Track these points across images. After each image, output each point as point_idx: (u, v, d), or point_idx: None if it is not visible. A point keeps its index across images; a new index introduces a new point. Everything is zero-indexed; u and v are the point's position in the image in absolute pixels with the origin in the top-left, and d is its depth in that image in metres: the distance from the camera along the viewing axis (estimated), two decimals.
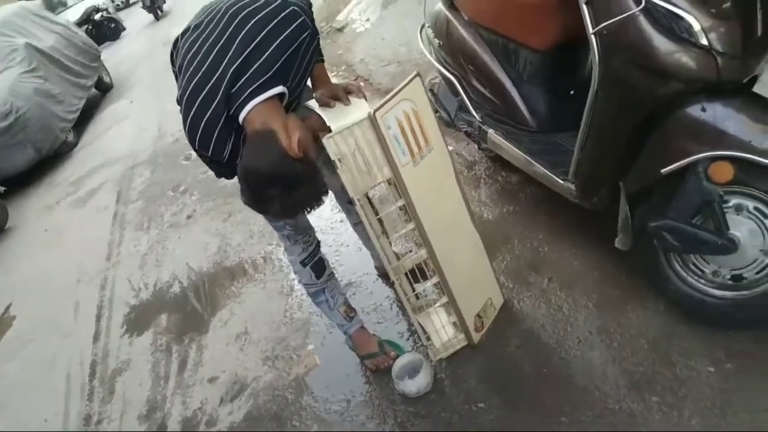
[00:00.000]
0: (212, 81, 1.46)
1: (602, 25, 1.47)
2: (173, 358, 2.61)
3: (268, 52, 1.45)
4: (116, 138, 6.27)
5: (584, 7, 1.51)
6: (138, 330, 2.93)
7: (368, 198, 1.81)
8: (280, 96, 1.49)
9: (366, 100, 1.61)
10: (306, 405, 2.05)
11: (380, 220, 1.81)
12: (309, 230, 1.92)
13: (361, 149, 1.50)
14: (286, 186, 1.40)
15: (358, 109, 1.54)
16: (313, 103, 1.75)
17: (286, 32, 1.48)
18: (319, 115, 1.56)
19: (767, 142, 1.37)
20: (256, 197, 1.43)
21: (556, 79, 2.12)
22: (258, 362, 2.34)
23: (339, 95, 1.63)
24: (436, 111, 2.22)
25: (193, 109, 1.50)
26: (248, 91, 1.43)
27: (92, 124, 7.20)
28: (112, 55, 10.50)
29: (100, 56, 8.32)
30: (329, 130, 1.50)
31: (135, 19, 14.08)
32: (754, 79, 1.56)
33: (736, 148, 1.39)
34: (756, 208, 1.49)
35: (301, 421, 2.00)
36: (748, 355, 1.54)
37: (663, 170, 1.50)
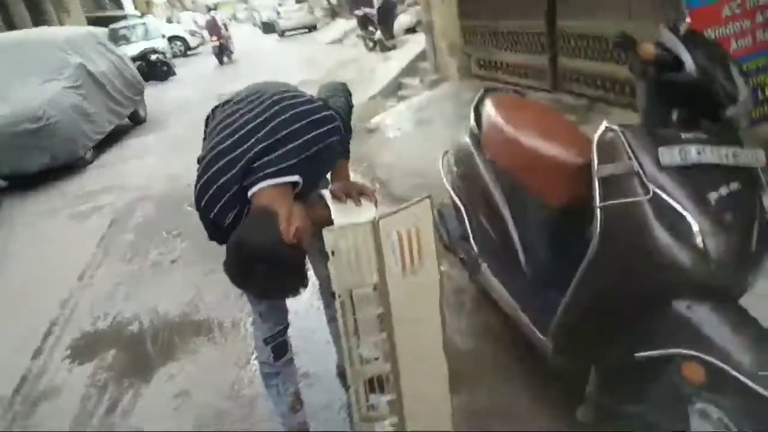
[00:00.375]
0: (237, 152, 1.54)
1: (609, 201, 1.55)
2: (105, 398, 2.49)
3: (295, 143, 1.54)
4: (134, 169, 6.40)
5: (596, 182, 1.60)
6: (81, 358, 2.82)
7: (351, 297, 1.81)
8: (293, 185, 1.56)
9: (376, 206, 1.67)
10: None
11: (356, 321, 1.80)
12: (283, 312, 1.92)
13: (357, 249, 1.53)
14: (270, 267, 1.42)
15: (366, 212, 1.59)
16: (326, 193, 1.82)
17: (317, 132, 1.57)
18: (327, 207, 1.61)
19: (743, 356, 1.39)
20: (240, 270, 1.44)
21: (558, 236, 2.19)
22: (188, 428, 2.22)
23: (352, 194, 1.70)
24: (439, 231, 2.29)
25: (210, 171, 1.56)
26: (266, 170, 1.50)
27: (115, 148, 7.38)
28: (155, 94, 10.95)
29: (143, 91, 8.72)
30: (332, 224, 1.54)
31: (194, 66, 14.87)
32: (741, 293, 1.62)
33: (713, 353, 1.40)
34: (719, 419, 1.48)
35: None
36: None
37: (638, 354, 1.51)
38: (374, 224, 1.50)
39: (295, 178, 1.53)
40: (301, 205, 1.57)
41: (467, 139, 2.60)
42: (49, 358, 2.86)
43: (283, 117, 1.56)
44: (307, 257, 1.73)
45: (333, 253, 1.52)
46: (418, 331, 1.72)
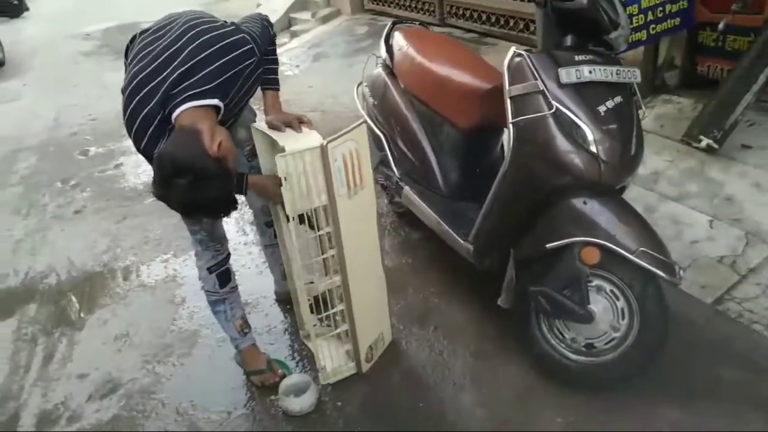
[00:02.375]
0: (156, 81, 1.59)
1: (520, 118, 1.80)
2: (38, 350, 2.46)
3: (211, 67, 1.60)
4: (1, 117, 5.80)
5: (508, 101, 1.83)
6: (0, 316, 2.71)
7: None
8: (215, 109, 1.62)
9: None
10: (183, 411, 2.04)
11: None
12: (222, 240, 2.01)
13: (306, 173, 1.66)
14: (194, 179, 1.45)
15: (310, 138, 1.71)
16: (260, 125, 1.90)
17: (232, 54, 1.63)
18: (278, 180, 1.68)
19: (626, 239, 1.73)
20: (164, 183, 1.48)
21: (469, 155, 2.44)
22: (136, 365, 2.28)
23: (293, 123, 1.80)
24: None
25: (133, 103, 1.61)
26: (186, 94, 1.56)
27: None
28: (10, 33, 9.76)
29: None
30: (281, 196, 1.63)
31: (44, 1, 13.27)
32: (623, 189, 1.97)
33: (605, 238, 1.73)
34: (611, 291, 1.83)
35: (175, 426, 1.98)
36: (589, 411, 1.83)
37: (548, 245, 1.81)
38: (323, 148, 1.63)
39: (215, 101, 1.59)
40: (225, 130, 1.63)
41: (380, 70, 2.74)
42: None
43: (197, 42, 1.61)
44: None
45: (285, 178, 1.63)
46: (361, 245, 1.91)
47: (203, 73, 1.57)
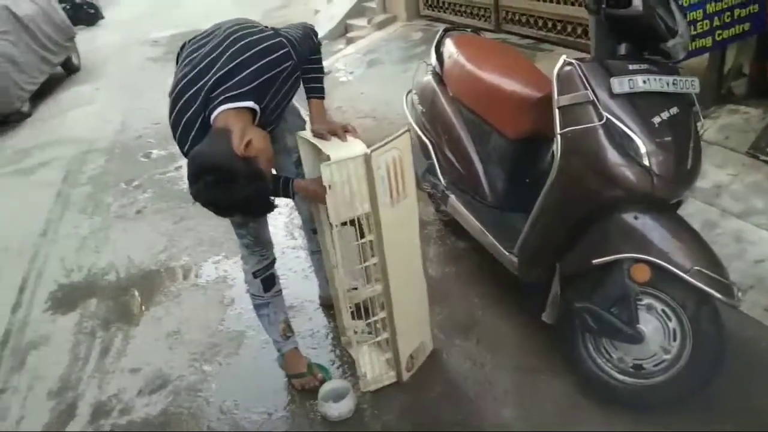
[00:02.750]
0: (197, 85, 1.64)
1: (568, 128, 1.75)
2: (96, 343, 2.59)
3: (248, 71, 1.63)
4: (75, 120, 6.14)
5: (556, 111, 1.79)
6: (63, 309, 2.87)
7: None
8: (252, 111, 1.65)
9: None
10: (227, 410, 2.10)
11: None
12: (268, 245, 2.05)
13: (350, 182, 1.67)
14: (220, 178, 1.48)
15: (355, 147, 1.73)
16: (305, 133, 1.93)
17: (269, 58, 1.66)
18: (312, 183, 1.70)
19: (679, 256, 1.65)
20: (193, 182, 1.52)
21: (517, 165, 2.40)
22: (185, 362, 2.37)
23: (338, 132, 1.82)
24: None
25: (178, 106, 1.68)
26: (223, 97, 1.60)
27: (51, 100, 7.03)
28: (86, 40, 10.34)
29: (74, 37, 8.23)
30: (324, 191, 1.66)
31: (122, 9, 13.98)
32: (678, 204, 1.88)
33: (656, 255, 1.66)
34: (663, 311, 1.75)
35: (218, 425, 2.04)
36: None
37: (594, 261, 1.75)
38: (366, 157, 1.64)
39: (250, 103, 1.62)
40: (262, 130, 1.65)
41: (430, 78, 2.74)
42: (29, 311, 2.89)
43: (235, 47, 1.65)
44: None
45: (329, 186, 1.65)
46: (403, 254, 1.91)
47: (240, 76, 1.61)
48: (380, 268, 1.86)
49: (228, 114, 1.59)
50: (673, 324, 1.73)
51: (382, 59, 6.07)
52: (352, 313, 1.98)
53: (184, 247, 3.25)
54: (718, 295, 1.59)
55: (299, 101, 2.03)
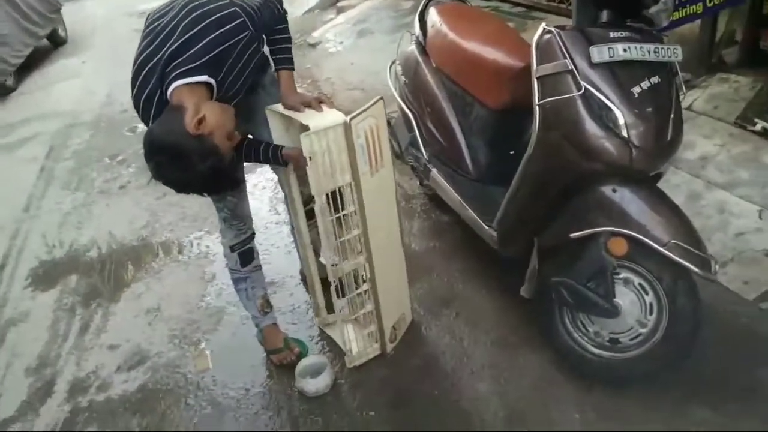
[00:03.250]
0: (154, 60, 1.58)
1: (546, 99, 1.70)
2: (76, 319, 2.57)
3: (201, 44, 1.55)
4: (60, 94, 6.05)
5: (535, 81, 1.73)
6: (44, 286, 2.85)
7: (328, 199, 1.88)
8: (208, 86, 1.58)
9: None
10: (204, 386, 2.09)
11: (332, 222, 1.91)
12: (246, 219, 2.01)
13: (330, 151, 1.63)
14: (172, 156, 1.47)
15: (332, 115, 1.68)
16: (276, 107, 1.87)
17: (222, 29, 1.58)
18: (301, 151, 1.66)
19: (657, 230, 1.62)
20: (149, 161, 1.51)
21: (499, 137, 2.34)
22: (164, 339, 2.36)
23: (312, 104, 1.76)
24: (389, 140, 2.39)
25: (138, 82, 1.63)
26: (176, 72, 1.54)
27: (37, 74, 6.91)
28: (72, 12, 10.12)
29: (60, 9, 8.04)
30: (305, 162, 1.62)
31: None
32: (658, 176, 1.85)
33: (634, 228, 1.63)
34: (640, 284, 1.73)
35: (196, 401, 2.04)
36: (610, 408, 1.75)
37: (572, 234, 1.71)
38: (346, 125, 1.59)
39: (204, 78, 1.56)
40: (219, 104, 1.59)
41: (413, 48, 2.66)
42: (9, 288, 2.87)
43: (189, 18, 1.58)
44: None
45: (310, 158, 1.60)
46: (382, 224, 1.88)
47: (193, 50, 1.55)
48: (362, 240, 1.83)
49: (182, 90, 1.53)
50: (649, 298, 1.71)
51: (372, 29, 5.94)
52: (336, 288, 1.93)
53: (167, 223, 3.21)
54: (695, 269, 1.56)
55: None
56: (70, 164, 4.25)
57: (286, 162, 1.90)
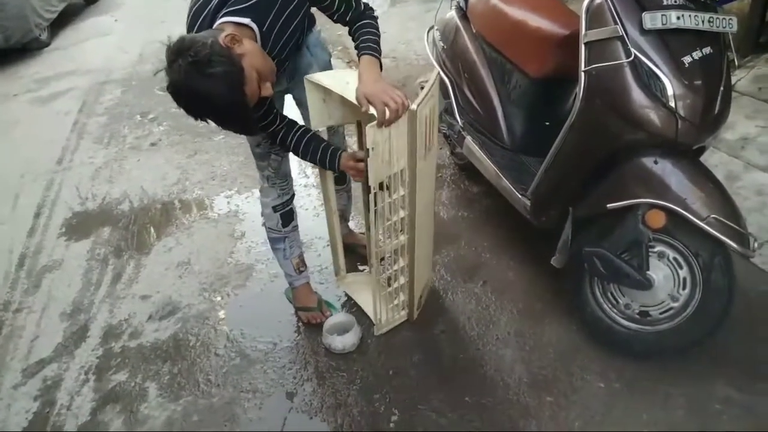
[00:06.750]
0: (208, 7, 1.57)
1: (593, 66, 1.66)
2: (108, 269, 2.63)
3: None
4: (92, 50, 6.09)
5: (582, 47, 1.69)
6: (77, 236, 2.91)
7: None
8: (251, 31, 1.55)
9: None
10: (233, 338, 2.13)
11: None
12: (288, 178, 2.02)
13: (390, 140, 1.57)
14: (194, 59, 1.37)
15: None
16: (314, 77, 1.78)
17: None
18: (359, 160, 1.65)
19: (696, 204, 1.59)
20: (169, 65, 1.41)
21: (538, 107, 2.31)
22: (194, 291, 2.40)
23: (389, 105, 1.52)
24: None
25: (194, 30, 1.59)
26: (223, 11, 1.54)
27: (70, 30, 6.95)
28: None
29: None
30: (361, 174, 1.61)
31: None
32: (701, 150, 1.81)
33: (673, 201, 1.61)
34: (674, 258, 1.71)
35: (225, 351, 2.08)
36: (635, 381, 1.75)
37: (609, 205, 1.70)
38: (412, 113, 1.56)
39: (247, 20, 1.54)
40: (262, 50, 1.54)
41: (453, 13, 2.62)
42: (43, 236, 2.94)
43: None
44: None
45: (372, 149, 1.54)
46: (425, 204, 1.86)
47: None
48: (409, 221, 1.81)
49: (231, 24, 1.53)
50: (683, 272, 1.69)
51: None
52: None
53: (197, 181, 3.24)
54: (733, 245, 1.54)
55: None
56: (103, 120, 4.30)
57: (338, 168, 1.79)
